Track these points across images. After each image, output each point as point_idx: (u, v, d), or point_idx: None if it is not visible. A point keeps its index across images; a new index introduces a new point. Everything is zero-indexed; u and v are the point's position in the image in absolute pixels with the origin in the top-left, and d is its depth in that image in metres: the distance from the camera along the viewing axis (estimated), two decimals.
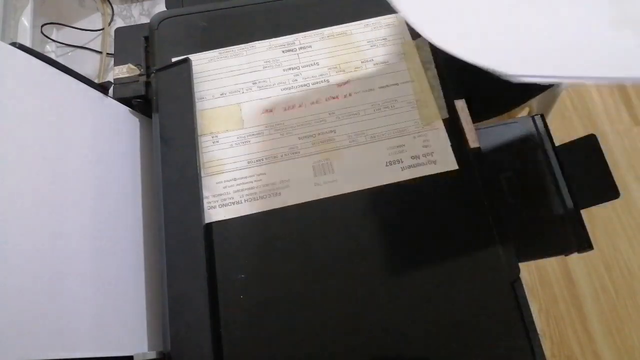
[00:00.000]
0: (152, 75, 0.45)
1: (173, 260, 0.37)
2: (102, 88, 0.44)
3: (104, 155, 0.41)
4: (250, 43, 0.47)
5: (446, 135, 0.41)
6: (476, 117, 0.42)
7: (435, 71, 0.44)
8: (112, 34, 0.51)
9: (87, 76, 0.45)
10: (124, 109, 0.46)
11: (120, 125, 0.44)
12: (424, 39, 0.45)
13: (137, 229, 0.42)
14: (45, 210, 0.33)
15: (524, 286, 0.35)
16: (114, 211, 0.40)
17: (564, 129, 1.21)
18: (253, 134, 0.43)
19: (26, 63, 0.35)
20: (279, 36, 0.47)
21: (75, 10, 0.61)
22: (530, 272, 1.20)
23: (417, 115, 0.43)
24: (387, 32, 0.47)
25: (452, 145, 0.41)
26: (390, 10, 0.48)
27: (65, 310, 0.32)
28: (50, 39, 0.59)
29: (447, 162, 0.40)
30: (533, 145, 0.43)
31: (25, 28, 0.56)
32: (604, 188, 0.42)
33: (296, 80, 0.45)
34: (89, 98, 0.42)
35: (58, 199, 0.34)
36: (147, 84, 0.46)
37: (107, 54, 0.58)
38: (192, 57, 0.46)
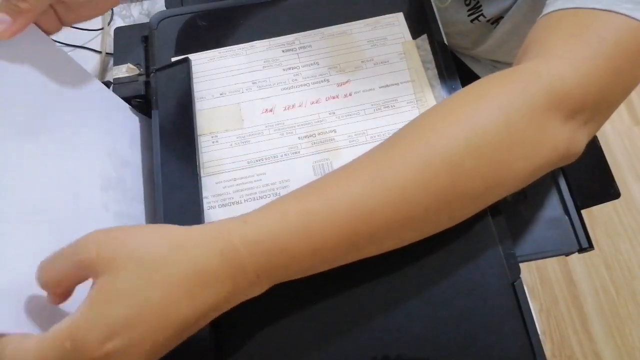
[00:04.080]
0: (152, 74, 0.45)
1: None
2: None
3: (108, 151, 0.41)
4: (249, 42, 0.47)
5: None
6: None
7: (435, 71, 0.44)
8: (112, 33, 0.51)
9: None
10: (124, 104, 0.45)
11: (122, 121, 0.45)
12: (424, 38, 0.45)
13: None
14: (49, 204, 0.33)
15: (525, 286, 0.35)
16: (116, 211, 0.40)
17: None
18: (253, 134, 0.42)
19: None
20: (279, 36, 0.47)
21: None
22: (530, 272, 1.20)
23: (418, 115, 0.42)
24: (387, 32, 0.47)
25: None
26: (390, 10, 0.48)
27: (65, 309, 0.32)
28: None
29: None
30: None
31: None
32: (605, 188, 0.42)
33: (296, 79, 0.45)
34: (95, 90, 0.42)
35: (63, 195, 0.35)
36: (147, 84, 0.46)
37: (107, 53, 0.58)
38: (191, 56, 0.46)
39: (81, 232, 0.28)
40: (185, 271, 0.28)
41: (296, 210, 0.30)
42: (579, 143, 0.34)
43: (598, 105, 0.33)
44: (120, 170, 0.41)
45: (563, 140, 0.32)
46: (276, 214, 0.30)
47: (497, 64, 0.69)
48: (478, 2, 0.61)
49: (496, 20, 0.61)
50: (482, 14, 0.61)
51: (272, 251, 0.29)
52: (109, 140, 0.41)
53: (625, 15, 0.32)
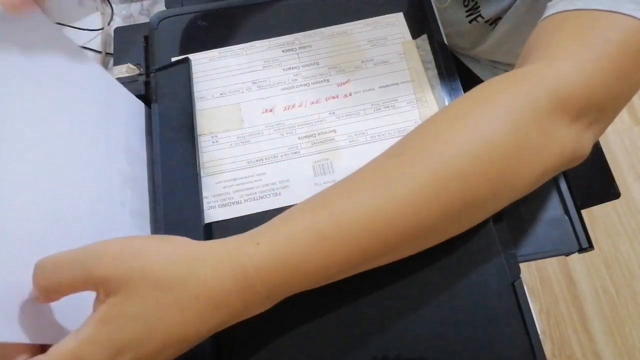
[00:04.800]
0: (152, 74, 0.45)
1: None
2: None
3: (124, 147, 0.41)
4: (250, 42, 0.47)
5: None
6: None
7: (435, 71, 0.44)
8: (112, 33, 0.51)
9: None
10: (133, 97, 0.45)
11: (133, 116, 0.44)
12: (424, 38, 0.45)
13: (145, 228, 0.42)
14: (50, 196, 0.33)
15: (525, 286, 0.35)
16: (131, 208, 0.40)
17: None
18: (253, 134, 0.42)
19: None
20: (279, 36, 0.47)
21: (74, 9, 0.61)
22: (530, 272, 1.20)
23: (418, 115, 0.42)
24: (387, 32, 0.47)
25: None
26: (390, 10, 0.48)
27: (64, 306, 0.32)
28: None
29: None
30: None
31: None
32: (605, 188, 0.42)
33: (296, 79, 0.45)
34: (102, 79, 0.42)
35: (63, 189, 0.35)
36: (147, 84, 0.46)
37: (107, 53, 0.58)
38: (191, 56, 0.46)
39: (101, 231, 0.27)
40: (197, 293, 0.27)
41: (306, 231, 0.30)
42: (585, 145, 0.34)
43: (603, 106, 0.33)
44: (135, 167, 0.41)
45: (569, 143, 0.32)
46: (287, 235, 0.30)
47: (496, 64, 0.69)
48: (476, 2, 0.61)
49: (494, 21, 0.61)
50: (480, 15, 0.61)
51: (283, 275, 0.29)
52: (124, 136, 0.41)
53: (629, 16, 0.32)
